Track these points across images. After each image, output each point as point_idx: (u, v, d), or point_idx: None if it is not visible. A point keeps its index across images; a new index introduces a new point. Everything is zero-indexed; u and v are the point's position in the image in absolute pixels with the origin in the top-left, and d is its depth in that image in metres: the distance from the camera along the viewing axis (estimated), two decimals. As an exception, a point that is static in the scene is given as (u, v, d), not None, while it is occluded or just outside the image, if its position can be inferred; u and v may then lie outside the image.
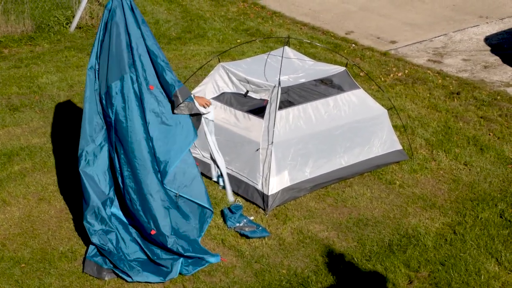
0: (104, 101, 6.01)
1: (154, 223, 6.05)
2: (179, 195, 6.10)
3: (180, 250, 6.07)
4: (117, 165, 6.09)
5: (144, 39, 5.96)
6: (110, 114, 5.97)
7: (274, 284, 5.92)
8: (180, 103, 6.01)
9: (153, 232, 6.06)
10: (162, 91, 6.04)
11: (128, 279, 5.95)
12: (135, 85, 5.95)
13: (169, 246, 6.07)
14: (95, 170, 6.17)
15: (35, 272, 6.11)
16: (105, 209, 6.15)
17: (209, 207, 6.29)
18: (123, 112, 5.94)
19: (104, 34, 5.97)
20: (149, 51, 5.98)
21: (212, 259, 6.15)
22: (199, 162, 7.04)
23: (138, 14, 5.96)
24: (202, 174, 6.87)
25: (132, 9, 5.91)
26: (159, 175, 6.05)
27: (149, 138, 6.01)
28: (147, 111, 5.97)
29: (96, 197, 6.12)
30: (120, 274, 5.98)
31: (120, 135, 5.98)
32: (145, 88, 5.97)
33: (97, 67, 6.05)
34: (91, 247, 6.17)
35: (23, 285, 5.95)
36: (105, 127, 6.15)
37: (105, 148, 6.18)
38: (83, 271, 6.07)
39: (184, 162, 6.09)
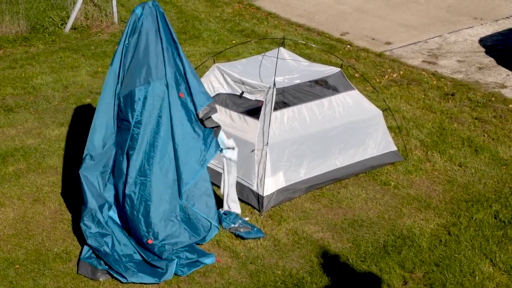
0: (122, 104, 5.97)
1: (153, 233, 6.05)
2: (188, 207, 6.11)
3: (174, 259, 6.07)
4: (124, 170, 6.06)
5: (177, 48, 5.95)
6: (130, 119, 5.93)
7: (269, 285, 5.91)
8: (208, 118, 6.01)
9: (150, 241, 6.06)
10: (191, 99, 6.04)
11: (123, 280, 5.94)
12: (165, 93, 5.91)
13: (163, 257, 6.06)
14: (96, 173, 6.16)
15: (30, 273, 6.09)
16: (102, 213, 6.15)
17: (215, 224, 6.29)
18: (145, 118, 5.90)
19: (129, 38, 5.95)
20: (182, 60, 5.97)
21: (207, 261, 6.15)
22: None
23: (169, 23, 5.96)
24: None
25: (164, 18, 5.91)
26: (172, 185, 6.03)
27: (170, 147, 5.98)
28: (175, 120, 5.93)
29: (94, 201, 6.12)
30: (115, 275, 5.97)
31: (137, 141, 5.94)
32: (175, 96, 5.94)
33: (119, 70, 6.02)
34: (86, 248, 6.17)
35: (18, 286, 5.93)
36: (115, 133, 6.12)
37: (111, 153, 6.16)
38: (77, 272, 6.06)
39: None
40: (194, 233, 6.24)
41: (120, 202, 6.19)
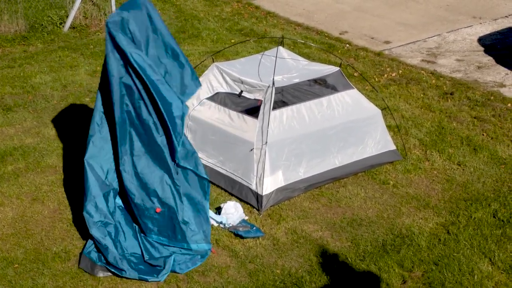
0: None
1: (157, 200, 6.05)
2: (180, 166, 6.09)
3: (171, 254, 6.08)
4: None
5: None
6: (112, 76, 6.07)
7: (268, 284, 5.92)
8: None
9: (158, 210, 6.05)
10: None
11: (122, 273, 5.93)
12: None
13: (179, 219, 6.06)
14: (100, 160, 6.18)
15: (29, 273, 6.09)
16: (107, 201, 6.15)
17: (205, 177, 6.23)
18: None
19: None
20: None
21: (204, 246, 6.16)
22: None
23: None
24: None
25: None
26: (166, 149, 6.06)
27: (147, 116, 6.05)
28: (161, 88, 5.99)
29: (98, 188, 6.12)
30: (112, 270, 5.97)
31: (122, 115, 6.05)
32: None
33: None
34: (89, 243, 6.18)
35: (16, 286, 5.93)
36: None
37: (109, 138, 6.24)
38: (78, 266, 6.08)
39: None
40: (197, 194, 6.21)
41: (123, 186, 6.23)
